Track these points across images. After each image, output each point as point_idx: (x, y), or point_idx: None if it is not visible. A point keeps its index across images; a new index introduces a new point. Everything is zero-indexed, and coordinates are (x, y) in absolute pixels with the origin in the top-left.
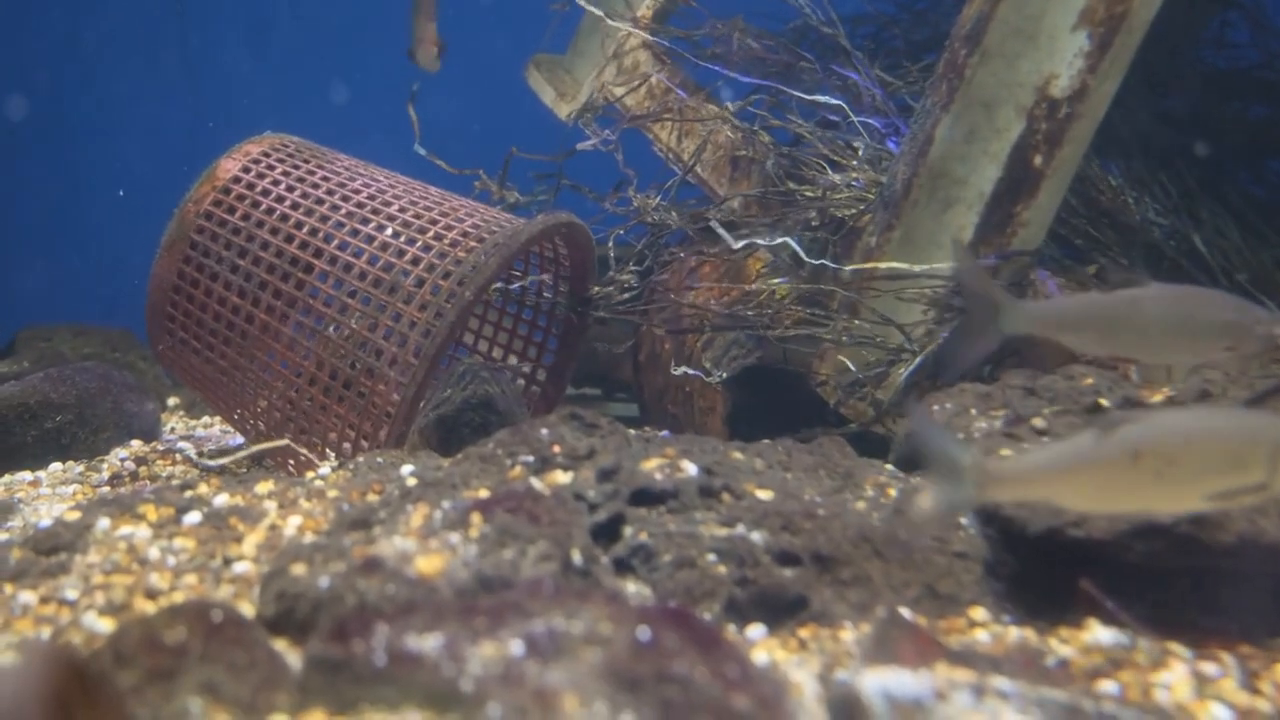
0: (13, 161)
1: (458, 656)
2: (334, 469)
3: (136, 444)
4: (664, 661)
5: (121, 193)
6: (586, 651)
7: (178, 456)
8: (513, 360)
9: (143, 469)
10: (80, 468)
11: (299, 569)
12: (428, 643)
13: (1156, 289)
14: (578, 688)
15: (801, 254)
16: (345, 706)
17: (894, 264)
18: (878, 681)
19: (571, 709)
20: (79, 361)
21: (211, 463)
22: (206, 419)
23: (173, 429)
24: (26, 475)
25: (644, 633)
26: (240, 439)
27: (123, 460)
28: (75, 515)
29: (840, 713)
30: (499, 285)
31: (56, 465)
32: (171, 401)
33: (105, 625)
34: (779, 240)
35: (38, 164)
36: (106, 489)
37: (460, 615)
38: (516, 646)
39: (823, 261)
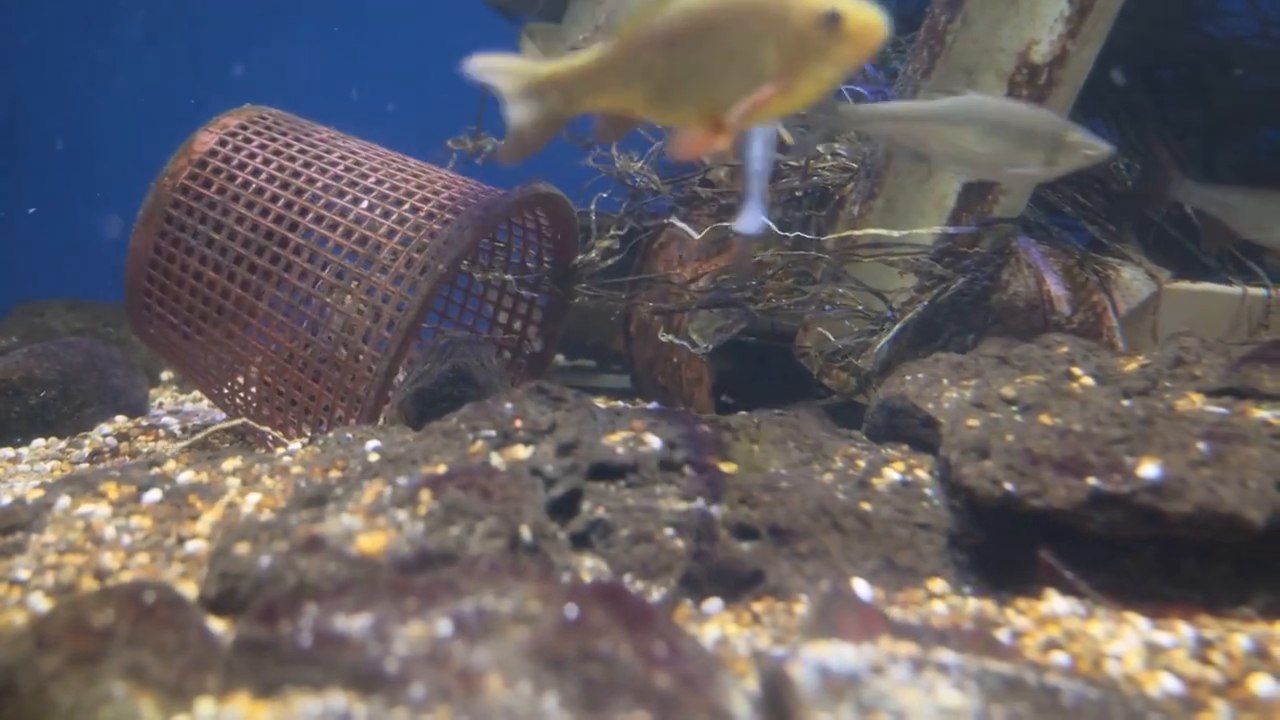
0: (12, 136)
1: (384, 637)
2: (304, 445)
3: (121, 419)
4: (588, 640)
5: (60, 144)
6: (514, 630)
7: (160, 432)
8: (498, 333)
9: (124, 445)
10: (62, 444)
11: (243, 548)
12: (355, 623)
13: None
14: (502, 668)
15: (776, 229)
16: (269, 689)
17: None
18: (812, 656)
19: (495, 689)
20: (69, 336)
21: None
22: (197, 394)
23: (161, 404)
24: (8, 452)
25: (571, 611)
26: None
27: (105, 436)
28: (38, 494)
29: (768, 688)
30: (485, 246)
31: (40, 441)
32: (164, 376)
33: (49, 606)
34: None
35: (37, 138)
36: (86, 465)
37: (392, 594)
38: (445, 626)
39: (799, 234)
